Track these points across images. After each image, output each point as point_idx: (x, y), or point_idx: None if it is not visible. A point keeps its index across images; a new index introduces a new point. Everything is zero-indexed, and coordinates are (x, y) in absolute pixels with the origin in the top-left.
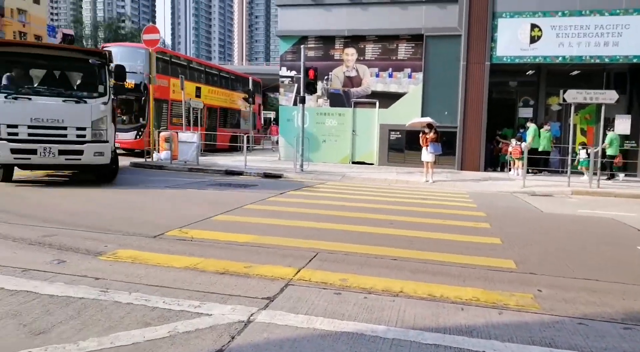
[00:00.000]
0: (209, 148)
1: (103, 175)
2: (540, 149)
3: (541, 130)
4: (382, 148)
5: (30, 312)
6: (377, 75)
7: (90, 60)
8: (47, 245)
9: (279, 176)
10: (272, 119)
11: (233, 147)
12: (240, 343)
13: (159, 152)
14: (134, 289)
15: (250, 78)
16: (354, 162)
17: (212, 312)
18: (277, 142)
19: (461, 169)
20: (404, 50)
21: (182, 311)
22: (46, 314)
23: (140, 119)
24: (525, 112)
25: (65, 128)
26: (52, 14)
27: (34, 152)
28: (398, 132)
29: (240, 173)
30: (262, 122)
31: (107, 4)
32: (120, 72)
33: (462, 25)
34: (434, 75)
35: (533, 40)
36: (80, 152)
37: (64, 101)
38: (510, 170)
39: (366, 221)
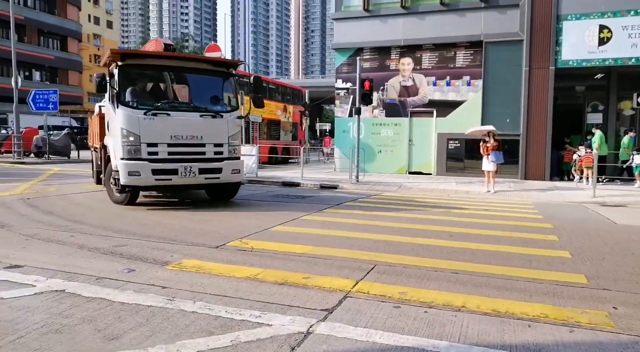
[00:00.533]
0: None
1: (227, 193)
2: (620, 159)
3: (625, 137)
4: (440, 158)
5: (104, 318)
6: (435, 84)
7: (224, 71)
8: (119, 254)
9: (334, 187)
10: (326, 131)
11: (270, 159)
12: None
13: None
14: (198, 298)
15: (297, 89)
16: (410, 173)
17: (272, 322)
18: (329, 153)
19: (525, 179)
20: (462, 57)
21: (244, 320)
22: (118, 320)
23: None
24: (594, 118)
25: (203, 145)
26: (122, 36)
27: (174, 172)
28: (457, 141)
29: (297, 185)
30: (306, 133)
31: (172, 26)
32: (259, 84)
33: (524, 30)
34: (494, 82)
35: (602, 42)
36: (219, 171)
37: (201, 116)
38: (573, 179)
39: (425, 233)
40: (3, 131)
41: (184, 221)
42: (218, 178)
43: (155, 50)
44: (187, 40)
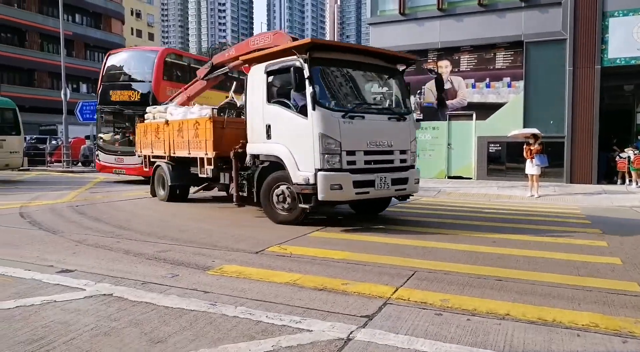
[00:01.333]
0: None
1: (378, 206)
2: None
3: None
4: (480, 161)
5: (150, 322)
6: (474, 86)
7: (399, 69)
8: (162, 260)
9: None
10: None
11: None
12: None
13: None
14: (239, 303)
15: None
16: (449, 177)
17: (312, 328)
18: None
19: (570, 182)
20: (502, 58)
21: (284, 325)
22: (163, 324)
23: None
24: None
25: (392, 152)
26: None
27: (371, 184)
28: (498, 144)
29: None
30: None
31: (210, 36)
32: (441, 81)
33: (567, 28)
34: (537, 82)
35: None
36: (406, 181)
37: (389, 119)
38: (624, 182)
39: (466, 239)
40: (53, 141)
41: (223, 227)
42: (405, 189)
43: (283, 43)
44: (224, 50)
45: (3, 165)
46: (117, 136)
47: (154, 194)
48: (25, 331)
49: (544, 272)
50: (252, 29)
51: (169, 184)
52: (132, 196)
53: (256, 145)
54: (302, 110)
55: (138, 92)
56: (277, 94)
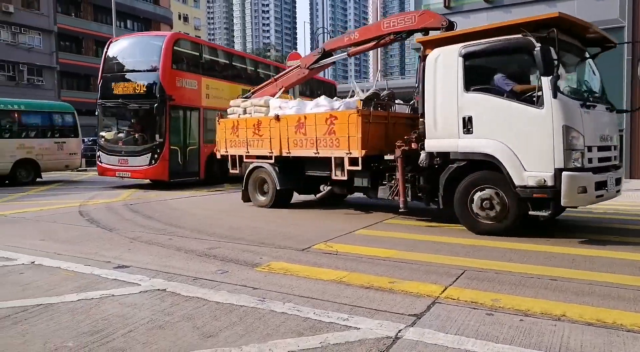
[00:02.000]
0: None
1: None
2: None
3: None
4: None
5: (202, 316)
6: None
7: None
8: (212, 256)
9: None
10: None
11: None
12: None
13: None
14: (287, 299)
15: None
16: None
17: (360, 326)
18: None
19: (630, 178)
20: None
21: (332, 323)
22: (214, 319)
23: (156, 137)
24: None
25: (613, 148)
26: None
27: (604, 185)
28: None
29: None
30: None
31: (255, 37)
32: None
33: (625, 15)
34: None
35: None
36: (620, 181)
37: (609, 110)
38: None
39: (517, 238)
40: None
41: (270, 225)
42: (619, 191)
43: (434, 22)
44: (269, 50)
45: (63, 166)
46: (121, 134)
47: (247, 199)
48: (87, 322)
49: (602, 272)
50: (295, 29)
51: (278, 187)
52: (183, 195)
53: (443, 141)
54: (529, 100)
55: (144, 83)
56: (480, 81)
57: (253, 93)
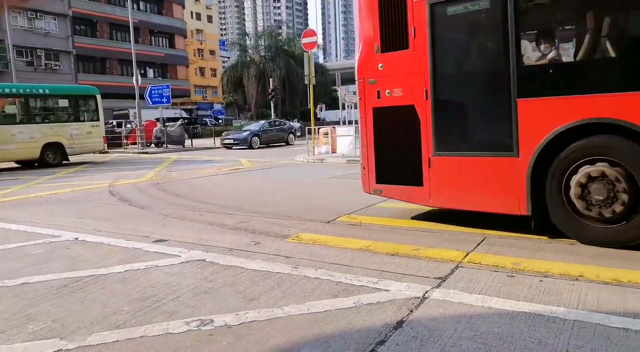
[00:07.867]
0: None
1: None
2: None
3: None
4: None
5: (242, 282)
6: None
7: None
8: (243, 230)
9: None
10: None
11: None
12: (419, 316)
13: (319, 146)
14: (318, 266)
15: None
16: None
17: (389, 288)
18: None
19: None
20: None
21: (362, 286)
22: (253, 284)
23: None
24: None
25: None
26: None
27: None
28: None
29: None
30: None
31: (265, 14)
32: None
33: None
34: None
35: None
36: None
37: None
38: None
39: None
40: (129, 125)
41: (294, 200)
42: None
43: None
44: (280, 27)
45: (89, 149)
46: None
47: None
48: (138, 290)
49: None
50: (306, 5)
51: None
52: (205, 174)
53: None
54: None
55: None
56: None
57: None
